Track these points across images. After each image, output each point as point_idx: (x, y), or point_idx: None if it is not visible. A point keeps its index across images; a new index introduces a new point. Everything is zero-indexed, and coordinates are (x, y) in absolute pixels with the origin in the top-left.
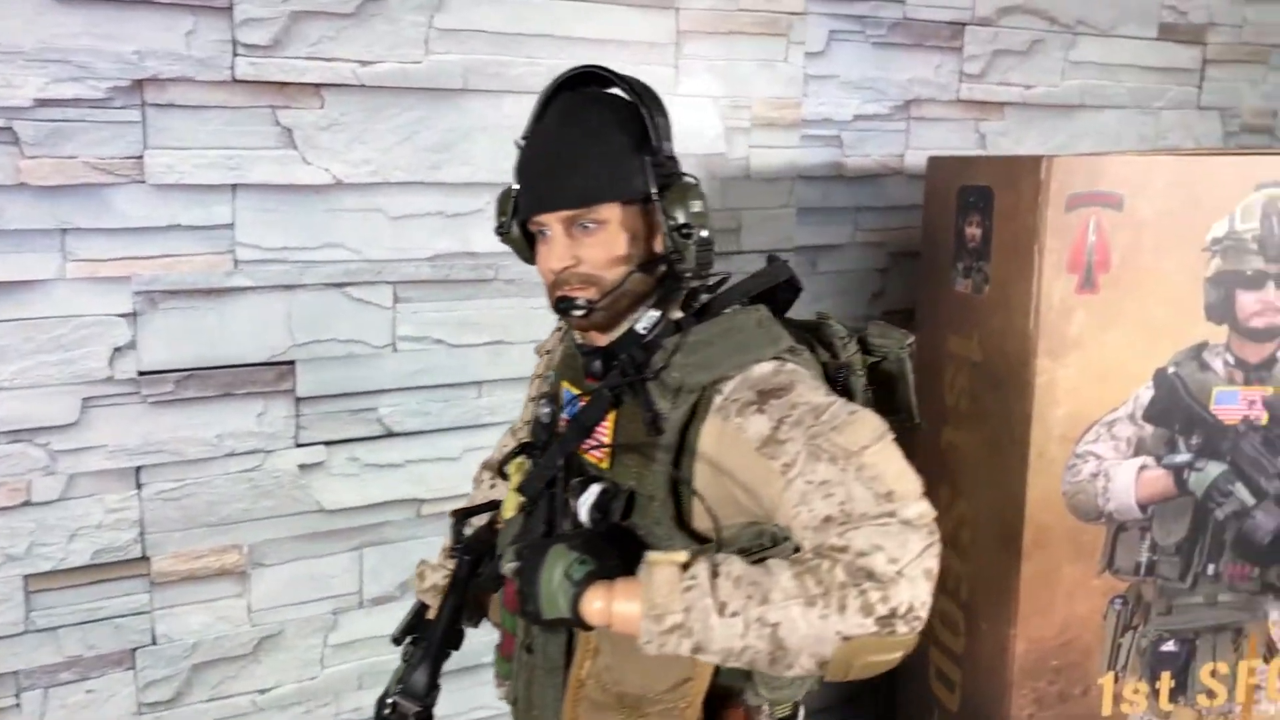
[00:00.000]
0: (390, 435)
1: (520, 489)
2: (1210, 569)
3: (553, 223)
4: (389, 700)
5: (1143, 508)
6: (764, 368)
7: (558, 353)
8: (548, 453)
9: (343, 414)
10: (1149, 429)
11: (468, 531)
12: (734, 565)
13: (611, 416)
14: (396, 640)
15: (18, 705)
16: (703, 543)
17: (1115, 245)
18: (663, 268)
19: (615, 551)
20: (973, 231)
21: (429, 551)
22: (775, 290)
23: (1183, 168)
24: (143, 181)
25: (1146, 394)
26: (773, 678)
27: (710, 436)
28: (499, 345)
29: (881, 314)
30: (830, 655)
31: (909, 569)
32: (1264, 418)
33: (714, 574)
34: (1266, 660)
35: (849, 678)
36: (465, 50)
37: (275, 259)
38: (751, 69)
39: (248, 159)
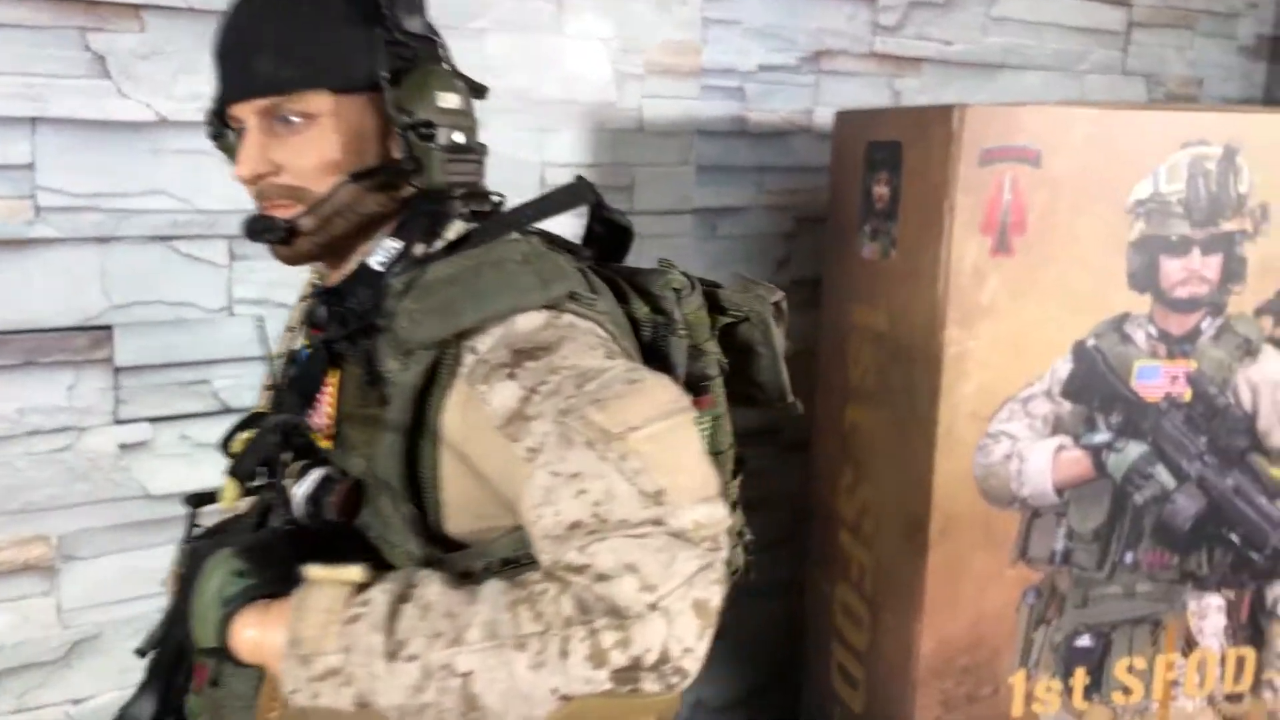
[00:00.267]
0: (227, 411)
1: (232, 470)
2: (1128, 557)
3: (248, 115)
4: None
5: (1059, 492)
6: (533, 319)
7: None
8: (263, 426)
9: (170, 386)
10: (1067, 406)
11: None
12: (430, 588)
13: (335, 380)
14: (141, 652)
15: None
16: (454, 550)
17: (1032, 205)
18: (405, 185)
19: (300, 560)
20: (880, 191)
21: None
22: (596, 232)
23: (1104, 121)
24: None
25: (1065, 368)
26: None
27: (455, 410)
28: None
29: (789, 284)
30: None
31: (670, 600)
32: (1187, 394)
33: (400, 599)
34: (1185, 654)
35: None
36: None
37: (86, 206)
38: (646, 8)
39: (51, 88)
